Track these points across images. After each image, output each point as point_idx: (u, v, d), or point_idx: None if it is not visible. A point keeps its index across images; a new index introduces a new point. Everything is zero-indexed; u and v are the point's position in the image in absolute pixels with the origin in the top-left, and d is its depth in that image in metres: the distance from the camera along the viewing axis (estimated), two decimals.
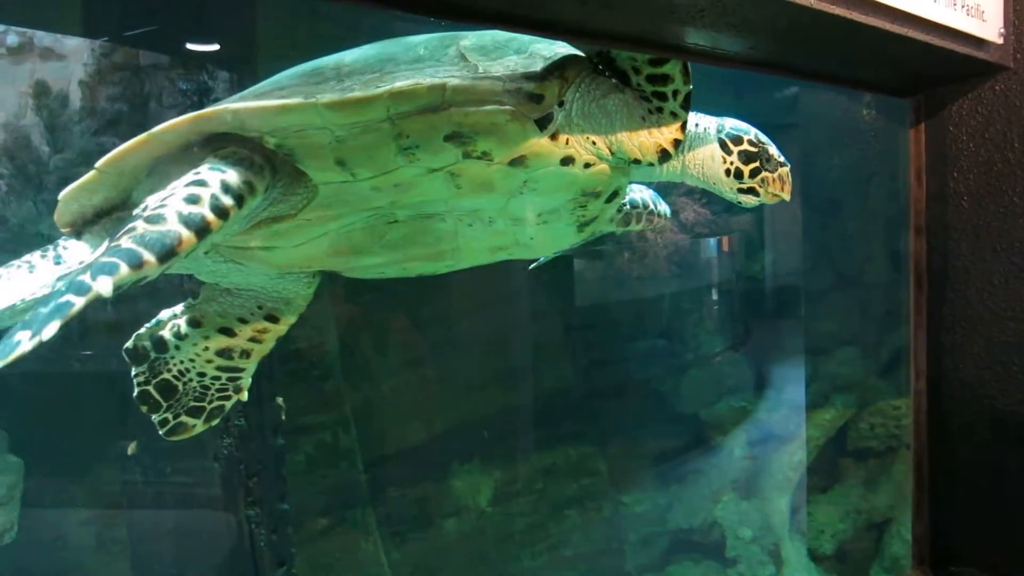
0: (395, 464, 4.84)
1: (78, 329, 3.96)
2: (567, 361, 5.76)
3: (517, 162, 1.90)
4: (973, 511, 2.94)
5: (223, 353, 2.26)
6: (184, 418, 2.27)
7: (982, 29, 2.34)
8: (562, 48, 1.96)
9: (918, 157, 2.88)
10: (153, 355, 2.25)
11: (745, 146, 2.16)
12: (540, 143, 1.88)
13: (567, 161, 1.94)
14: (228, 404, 2.31)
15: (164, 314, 2.25)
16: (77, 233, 2.07)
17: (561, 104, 1.90)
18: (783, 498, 6.05)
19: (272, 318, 2.28)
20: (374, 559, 4.56)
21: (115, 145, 3.57)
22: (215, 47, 3.81)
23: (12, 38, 3.95)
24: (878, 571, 5.80)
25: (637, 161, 1.99)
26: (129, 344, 2.22)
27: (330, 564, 4.43)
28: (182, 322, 2.24)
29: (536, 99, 1.84)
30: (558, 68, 1.89)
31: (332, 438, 4.40)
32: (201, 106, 3.79)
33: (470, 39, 1.96)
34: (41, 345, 1.36)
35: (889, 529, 5.83)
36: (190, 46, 3.79)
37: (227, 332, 2.25)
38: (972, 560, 2.96)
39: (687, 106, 1.93)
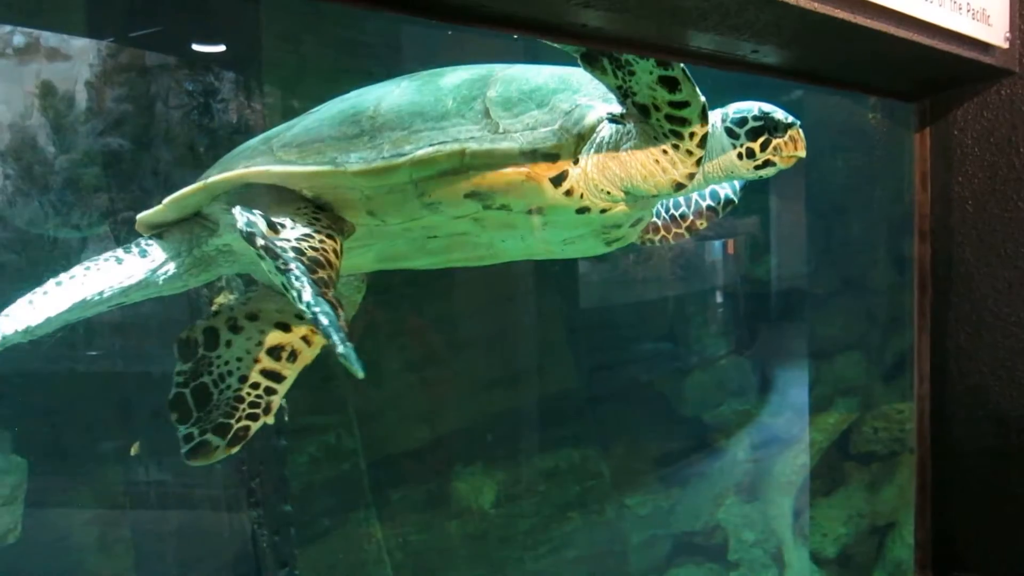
0: (398, 466, 4.84)
1: (83, 329, 3.96)
2: (571, 363, 5.76)
3: (535, 211, 2.06)
4: (976, 516, 2.94)
5: (273, 351, 2.26)
6: (209, 436, 2.15)
7: (988, 33, 2.33)
8: (583, 99, 2.02)
9: (923, 161, 2.87)
10: (201, 351, 2.23)
11: (750, 124, 2.14)
12: (556, 197, 2.01)
13: (583, 211, 2.07)
14: (254, 427, 2.21)
15: (222, 306, 2.34)
16: (159, 236, 2.26)
17: (576, 161, 2.00)
18: (786, 501, 6.04)
19: None
20: (377, 560, 4.55)
21: (120, 146, 3.71)
22: (220, 48, 3.82)
23: (19, 38, 3.96)
24: (881, 575, 5.80)
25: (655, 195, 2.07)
26: (183, 334, 2.24)
27: (333, 565, 4.43)
28: (239, 315, 2.28)
29: (551, 159, 1.96)
30: (574, 125, 1.98)
31: (335, 439, 4.40)
32: (207, 107, 3.81)
33: (497, 88, 2.06)
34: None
35: (892, 533, 5.83)
36: (196, 47, 3.80)
37: (283, 327, 2.28)
38: (975, 565, 2.95)
39: (703, 145, 1.97)
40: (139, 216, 2.25)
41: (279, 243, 1.76)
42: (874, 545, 5.91)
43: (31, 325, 2.06)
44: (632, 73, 1.87)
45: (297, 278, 1.66)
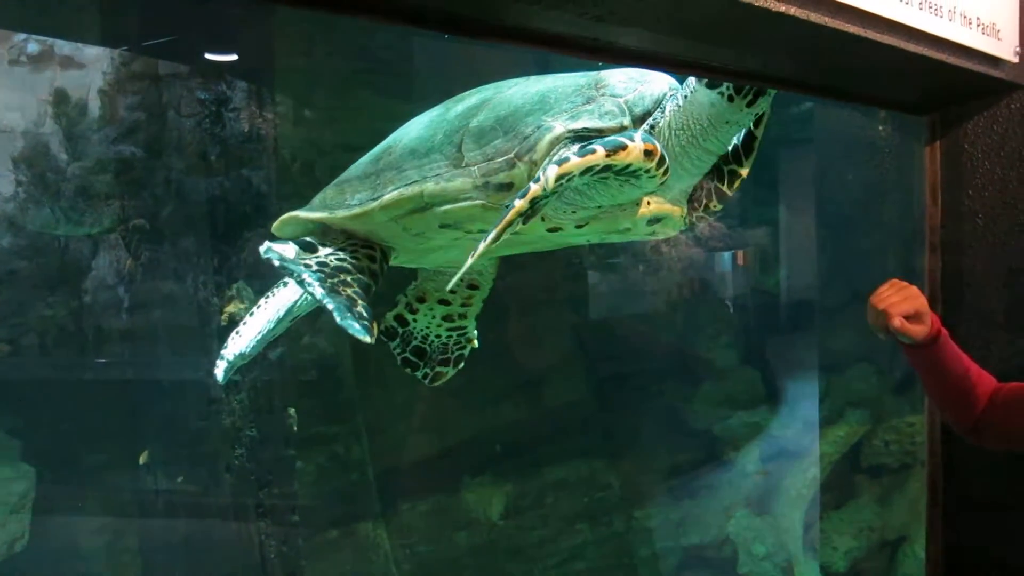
0: (407, 476, 4.84)
1: (92, 337, 3.98)
2: (580, 375, 5.75)
3: (514, 232, 2.13)
4: (988, 530, 2.92)
5: (447, 318, 2.86)
6: (439, 368, 2.91)
7: (997, 48, 2.33)
8: (548, 119, 2.01)
9: (933, 174, 2.86)
10: (400, 330, 2.86)
11: None
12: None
13: (554, 230, 2.15)
14: (466, 351, 2.95)
15: (400, 298, 2.88)
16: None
17: None
18: (796, 514, 6.01)
19: (473, 287, 2.84)
20: (384, 571, 4.55)
21: (133, 154, 3.85)
22: (233, 57, 3.84)
23: (33, 46, 3.99)
24: None
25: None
26: (382, 326, 2.85)
27: None
28: (411, 300, 2.85)
29: (505, 188, 2.00)
30: (527, 152, 1.97)
31: (344, 449, 4.40)
32: (219, 116, 3.84)
33: (480, 116, 2.16)
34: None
35: (903, 547, 5.80)
36: (209, 56, 3.82)
37: (444, 302, 2.84)
38: None
39: (661, 164, 1.88)
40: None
41: (305, 262, 2.18)
42: (885, 559, 5.88)
43: (244, 350, 2.65)
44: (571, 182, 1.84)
45: (309, 284, 2.08)
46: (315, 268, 2.16)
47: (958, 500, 2.98)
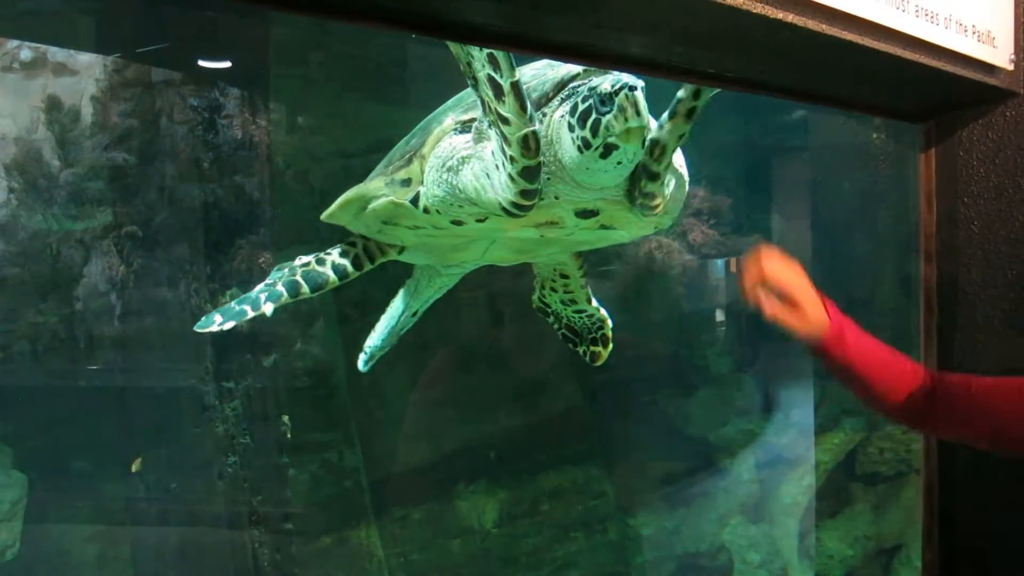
0: (400, 484, 4.82)
1: (84, 344, 3.96)
2: (575, 382, 5.74)
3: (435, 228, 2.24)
4: (984, 538, 2.91)
5: (564, 303, 3.05)
6: (592, 348, 3.07)
7: (993, 55, 2.33)
8: (449, 114, 2.07)
9: (928, 182, 2.86)
10: (548, 309, 3.11)
11: (580, 109, 1.78)
12: (423, 216, 2.14)
13: (457, 223, 2.15)
14: (608, 330, 3.06)
15: (535, 283, 3.10)
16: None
17: (423, 181, 2.08)
18: (791, 522, 6.01)
19: (564, 276, 2.95)
20: None
21: (125, 160, 3.92)
22: (226, 64, 3.83)
23: (26, 53, 3.98)
24: None
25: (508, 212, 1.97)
26: (534, 306, 3.15)
27: None
28: (537, 286, 3.07)
29: (406, 183, 2.11)
30: (419, 147, 2.06)
31: (337, 457, 4.38)
32: (212, 123, 3.83)
33: (423, 121, 2.27)
34: (222, 332, 2.32)
35: (898, 556, 5.78)
36: (202, 63, 3.82)
37: (553, 289, 3.02)
38: None
39: (527, 177, 1.80)
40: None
41: (289, 267, 2.49)
42: (881, 567, 5.87)
43: (378, 343, 3.11)
44: (470, 64, 1.71)
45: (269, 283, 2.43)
46: (286, 272, 2.46)
47: (954, 508, 2.97)
